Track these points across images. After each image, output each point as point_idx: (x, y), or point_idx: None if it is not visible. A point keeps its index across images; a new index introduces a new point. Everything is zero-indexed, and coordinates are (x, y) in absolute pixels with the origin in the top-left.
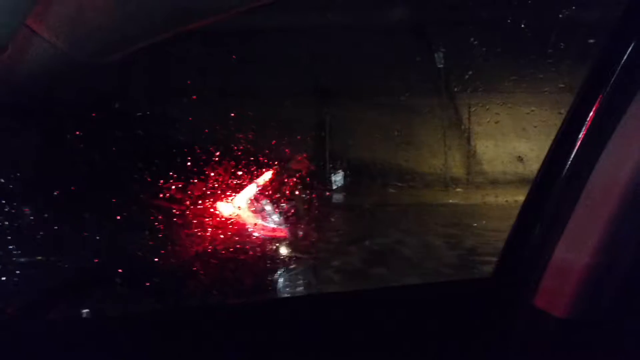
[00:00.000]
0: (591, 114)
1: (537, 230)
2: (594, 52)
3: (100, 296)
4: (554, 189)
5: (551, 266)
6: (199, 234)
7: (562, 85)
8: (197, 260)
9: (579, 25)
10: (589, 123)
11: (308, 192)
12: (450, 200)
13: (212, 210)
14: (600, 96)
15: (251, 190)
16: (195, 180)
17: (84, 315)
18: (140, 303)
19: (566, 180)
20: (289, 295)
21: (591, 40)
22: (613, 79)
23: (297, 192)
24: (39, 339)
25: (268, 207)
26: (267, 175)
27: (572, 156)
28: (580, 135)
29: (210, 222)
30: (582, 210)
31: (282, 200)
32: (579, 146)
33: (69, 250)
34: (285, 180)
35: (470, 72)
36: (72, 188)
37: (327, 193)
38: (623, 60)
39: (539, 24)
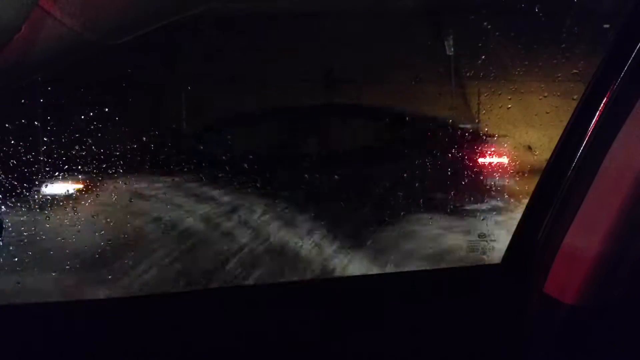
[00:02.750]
0: (604, 100)
1: (548, 217)
2: (608, 37)
3: None
4: (565, 175)
5: (562, 253)
6: None
7: (575, 71)
8: None
9: (594, 10)
10: (601, 109)
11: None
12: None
13: None
14: (613, 83)
15: None
16: None
17: None
18: None
19: (578, 167)
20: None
21: (606, 26)
22: (627, 66)
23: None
24: None
25: None
26: None
27: (584, 143)
28: (593, 122)
29: None
30: (593, 198)
31: None
32: (592, 133)
33: None
34: None
35: (481, 58)
36: None
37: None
38: (638, 47)
39: (553, 8)
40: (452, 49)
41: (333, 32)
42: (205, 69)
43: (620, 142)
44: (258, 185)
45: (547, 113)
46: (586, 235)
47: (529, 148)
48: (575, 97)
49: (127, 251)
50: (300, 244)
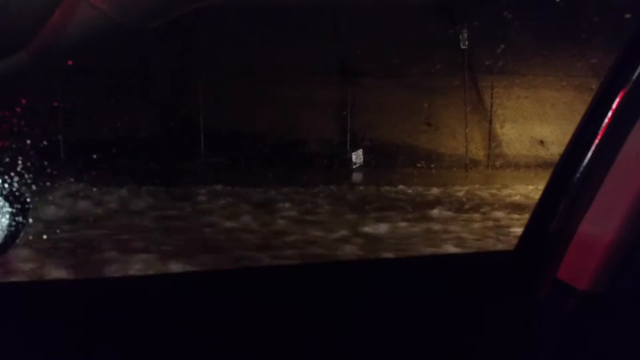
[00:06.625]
0: (622, 90)
1: (563, 205)
2: (629, 27)
3: None
4: (582, 162)
5: (576, 240)
6: None
7: (594, 61)
8: None
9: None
10: (619, 100)
11: None
12: (470, 181)
13: None
14: (632, 74)
15: None
16: None
17: None
18: None
19: (595, 153)
20: None
21: (627, 15)
22: None
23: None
24: None
25: None
26: None
27: (602, 129)
28: (612, 109)
29: None
30: (609, 186)
31: None
32: (610, 120)
33: None
34: None
35: (496, 51)
36: None
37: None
38: None
39: None
40: (466, 42)
41: (348, 25)
42: (227, 55)
43: (637, 133)
44: None
45: (565, 103)
46: (602, 223)
47: (541, 143)
48: (593, 86)
49: None
50: None
